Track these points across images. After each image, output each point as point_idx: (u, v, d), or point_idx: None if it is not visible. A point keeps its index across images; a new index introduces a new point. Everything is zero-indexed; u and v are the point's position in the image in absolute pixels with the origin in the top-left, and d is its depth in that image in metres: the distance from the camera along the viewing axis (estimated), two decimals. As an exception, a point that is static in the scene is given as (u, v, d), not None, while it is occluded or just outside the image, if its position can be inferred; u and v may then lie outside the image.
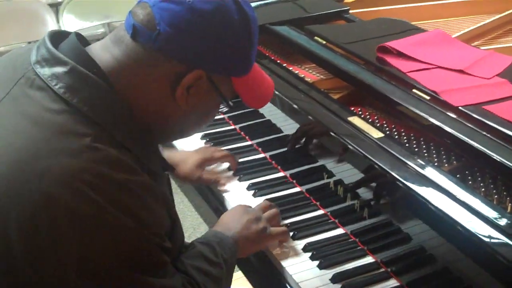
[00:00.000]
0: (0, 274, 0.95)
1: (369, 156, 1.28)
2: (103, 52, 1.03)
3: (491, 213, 1.11)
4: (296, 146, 1.66)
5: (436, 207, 1.15)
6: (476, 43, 1.80)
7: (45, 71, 0.99)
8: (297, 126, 1.63)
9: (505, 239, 1.06)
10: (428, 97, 1.37)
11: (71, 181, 0.90)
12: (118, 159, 0.95)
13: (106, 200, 0.92)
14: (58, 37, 1.06)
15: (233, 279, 1.30)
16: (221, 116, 1.96)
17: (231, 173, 1.67)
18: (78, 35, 1.07)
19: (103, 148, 0.94)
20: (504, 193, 1.22)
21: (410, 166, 1.24)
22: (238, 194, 1.59)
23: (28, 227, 0.91)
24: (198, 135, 1.85)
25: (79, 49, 1.02)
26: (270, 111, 1.80)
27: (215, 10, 1.01)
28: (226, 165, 1.69)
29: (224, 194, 1.60)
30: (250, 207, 1.42)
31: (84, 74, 0.99)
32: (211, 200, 1.64)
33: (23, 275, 0.94)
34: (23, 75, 1.01)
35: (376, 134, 1.34)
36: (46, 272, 0.93)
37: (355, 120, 1.40)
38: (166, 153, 1.58)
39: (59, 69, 0.99)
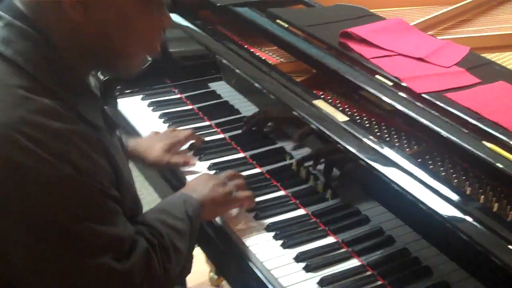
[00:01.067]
0: None
1: (336, 138, 1.31)
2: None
3: (450, 193, 1.15)
4: (253, 129, 1.68)
5: (395, 183, 1.19)
6: (430, 32, 1.86)
7: None
8: (254, 108, 1.64)
9: (462, 216, 1.10)
10: (391, 83, 1.41)
11: (8, 133, 0.91)
12: (53, 108, 0.95)
13: (44, 149, 0.92)
14: None
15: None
16: (178, 96, 1.95)
17: (191, 153, 1.67)
18: None
19: (37, 98, 0.94)
20: (463, 177, 1.27)
21: (375, 148, 1.27)
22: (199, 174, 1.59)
23: None
24: (156, 114, 1.84)
25: (13, 4, 1.01)
26: (228, 92, 1.81)
27: None
28: (186, 145, 1.69)
29: (185, 175, 1.59)
30: (217, 175, 1.45)
31: (18, 27, 0.98)
32: (171, 180, 1.64)
33: None
34: None
35: (341, 117, 1.37)
36: None
37: (320, 103, 1.42)
38: (132, 142, 1.60)
39: None
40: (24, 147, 0.90)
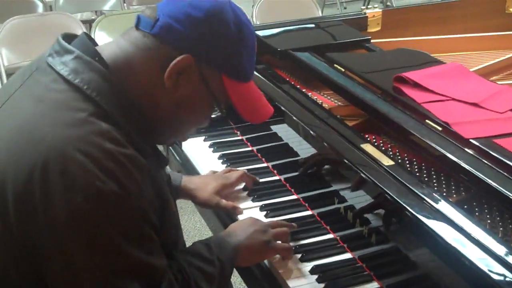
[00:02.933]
0: None
1: (378, 183, 1.30)
2: (110, 45, 1.16)
3: (496, 246, 1.12)
4: (309, 171, 1.69)
5: (441, 237, 1.17)
6: (494, 77, 1.82)
7: (55, 60, 1.12)
8: (312, 150, 1.66)
9: (507, 272, 1.07)
10: (440, 128, 1.39)
11: (65, 148, 1.00)
12: (109, 132, 1.04)
13: (95, 165, 1.00)
14: (70, 36, 1.19)
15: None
16: (240, 138, 2.00)
17: (245, 193, 1.70)
18: (87, 34, 1.20)
19: (97, 122, 1.05)
20: (510, 226, 1.23)
21: (417, 194, 1.26)
22: (251, 214, 1.61)
23: (22, 189, 1.00)
24: (216, 155, 1.90)
25: (85, 42, 1.15)
26: (287, 135, 1.84)
27: (214, 6, 1.12)
28: (241, 185, 1.73)
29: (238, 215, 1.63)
30: (260, 220, 1.46)
31: (87, 60, 1.10)
32: (224, 220, 1.67)
33: (16, 236, 1.02)
34: (37, 68, 1.14)
35: (386, 161, 1.36)
36: (36, 232, 1.01)
37: (367, 147, 1.42)
38: (185, 179, 1.64)
39: (67, 57, 1.11)
40: (79, 161, 0.99)
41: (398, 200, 1.25)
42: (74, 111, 1.05)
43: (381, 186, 1.30)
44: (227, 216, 1.66)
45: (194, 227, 3.14)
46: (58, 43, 1.14)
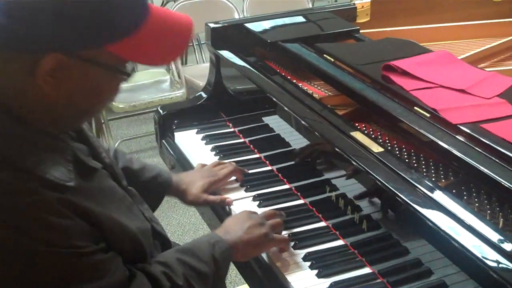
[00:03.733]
0: None
1: (368, 170, 1.32)
2: None
3: (483, 228, 1.14)
4: (304, 160, 1.72)
5: (431, 221, 1.18)
6: (482, 65, 1.84)
7: None
8: (304, 140, 1.68)
9: (495, 253, 1.09)
10: (428, 115, 1.41)
11: None
12: (8, 184, 0.95)
13: (3, 227, 0.94)
14: None
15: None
16: (232, 129, 2.02)
17: (237, 184, 1.72)
18: None
19: None
20: (497, 209, 1.25)
21: (407, 180, 1.28)
22: (243, 205, 1.63)
23: None
24: (208, 147, 1.91)
25: None
26: (280, 126, 1.86)
27: None
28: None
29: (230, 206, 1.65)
30: (255, 213, 1.46)
31: None
32: (218, 211, 1.69)
33: None
34: None
35: (376, 148, 1.38)
36: None
37: (357, 134, 1.44)
38: (175, 178, 1.63)
39: None
40: None
41: (388, 185, 1.27)
42: None
43: (371, 172, 1.32)
44: (222, 209, 1.68)
45: (189, 221, 3.15)
46: None
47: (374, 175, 1.30)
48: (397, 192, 1.24)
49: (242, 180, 1.72)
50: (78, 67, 0.99)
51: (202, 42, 5.12)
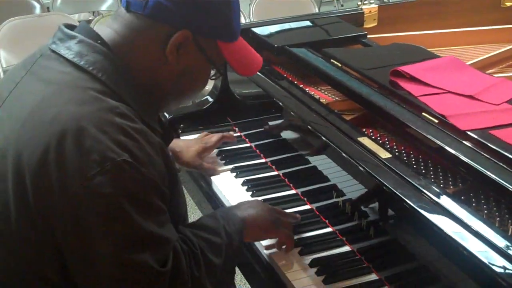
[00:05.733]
0: (18, 217, 1.07)
1: (375, 175, 1.31)
2: (105, 28, 1.20)
3: (494, 237, 1.13)
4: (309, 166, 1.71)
5: (439, 228, 1.17)
6: (490, 71, 1.83)
7: (59, 46, 1.17)
8: (310, 145, 1.67)
9: (504, 261, 1.07)
10: (436, 121, 1.40)
11: (78, 123, 1.04)
12: (117, 108, 1.10)
13: (108, 138, 1.04)
14: (71, 26, 1.24)
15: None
16: (238, 134, 2.01)
17: (244, 188, 1.71)
18: (86, 23, 1.26)
19: (105, 99, 1.10)
20: (506, 216, 1.24)
21: (415, 186, 1.26)
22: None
23: (38, 164, 1.04)
24: (214, 152, 1.91)
25: (87, 27, 1.21)
26: (285, 131, 1.85)
27: None
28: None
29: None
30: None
31: (90, 43, 1.16)
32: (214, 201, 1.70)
33: (35, 213, 1.06)
34: (41, 55, 1.19)
35: (384, 154, 1.37)
36: (52, 205, 1.04)
37: (365, 140, 1.43)
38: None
39: (71, 42, 1.17)
40: (93, 136, 1.04)
41: (396, 192, 1.26)
42: (83, 90, 1.10)
43: (379, 178, 1.30)
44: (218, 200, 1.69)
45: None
46: (61, 31, 1.20)
47: (382, 181, 1.29)
48: (405, 199, 1.23)
49: (234, 139, 1.91)
50: (195, 50, 1.20)
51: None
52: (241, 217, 1.37)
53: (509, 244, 1.11)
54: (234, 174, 1.79)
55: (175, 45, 1.17)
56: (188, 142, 1.83)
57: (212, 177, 1.79)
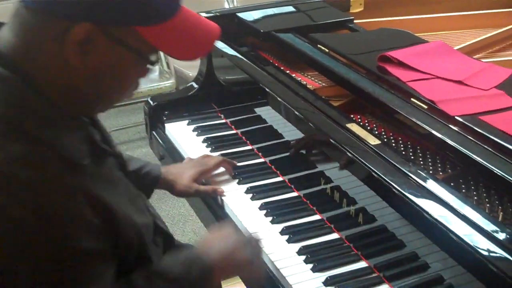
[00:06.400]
0: None
1: (365, 162, 1.30)
2: (4, 31, 0.99)
3: (483, 221, 1.12)
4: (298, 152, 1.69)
5: (429, 214, 1.16)
6: (477, 56, 1.82)
7: None
8: (297, 131, 1.65)
9: (495, 247, 1.07)
10: (425, 106, 1.39)
11: None
12: (23, 155, 0.92)
13: (9, 199, 0.90)
14: None
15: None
16: (223, 121, 1.99)
17: (228, 176, 1.69)
18: None
19: (7, 145, 0.92)
20: (496, 202, 1.23)
21: (404, 172, 1.25)
22: (236, 197, 1.61)
23: None
24: (200, 139, 1.88)
25: None
26: (273, 117, 1.83)
27: None
28: (220, 169, 1.70)
29: (223, 198, 1.62)
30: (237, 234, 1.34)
31: None
32: (210, 204, 1.66)
33: None
34: None
35: (373, 141, 1.36)
36: None
37: (353, 126, 1.41)
38: (164, 169, 1.58)
39: None
40: None
41: (386, 179, 1.25)
42: None
43: (368, 165, 1.29)
44: (214, 201, 1.65)
45: (178, 212, 3.12)
46: None
47: (372, 168, 1.28)
48: (395, 186, 1.22)
49: (231, 171, 1.69)
50: (106, 43, 0.97)
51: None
52: (210, 262, 1.20)
53: (499, 229, 1.11)
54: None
55: (75, 42, 0.94)
56: (182, 168, 1.62)
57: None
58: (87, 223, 0.97)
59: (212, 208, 1.63)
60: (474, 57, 1.71)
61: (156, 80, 3.80)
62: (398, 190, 1.21)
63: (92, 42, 0.95)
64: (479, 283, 1.11)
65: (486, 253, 1.07)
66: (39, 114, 0.97)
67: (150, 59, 1.03)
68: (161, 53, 3.88)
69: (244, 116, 1.96)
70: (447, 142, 1.28)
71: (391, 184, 1.23)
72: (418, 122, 1.35)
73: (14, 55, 0.97)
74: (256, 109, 1.93)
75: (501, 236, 1.09)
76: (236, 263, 1.26)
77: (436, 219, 1.15)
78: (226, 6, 3.88)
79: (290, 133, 1.70)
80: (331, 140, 1.41)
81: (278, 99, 1.64)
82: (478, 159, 1.22)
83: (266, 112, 1.89)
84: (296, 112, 1.57)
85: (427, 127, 1.33)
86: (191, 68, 3.81)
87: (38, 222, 0.91)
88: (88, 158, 1.02)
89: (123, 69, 1.02)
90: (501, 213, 1.20)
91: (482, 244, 1.08)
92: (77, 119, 1.06)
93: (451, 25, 2.03)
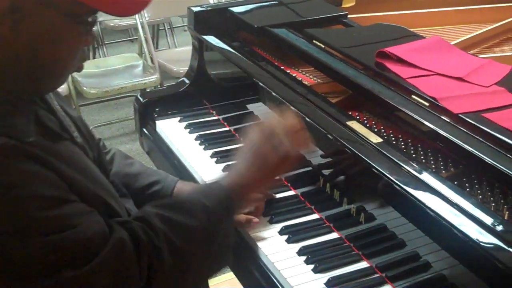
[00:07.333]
0: None
1: (368, 161, 1.27)
2: None
3: (488, 220, 1.10)
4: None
5: (433, 212, 1.14)
6: (472, 51, 1.81)
7: None
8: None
9: (502, 245, 1.05)
10: (427, 103, 1.37)
11: None
12: None
13: None
14: None
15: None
16: (216, 118, 1.95)
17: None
18: None
19: None
20: (502, 201, 1.22)
21: (409, 171, 1.23)
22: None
23: None
24: (193, 136, 1.84)
25: None
26: (265, 113, 1.80)
27: None
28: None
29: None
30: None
31: None
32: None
33: None
34: None
35: (375, 139, 1.33)
36: None
37: (354, 124, 1.39)
38: (180, 185, 1.44)
39: None
40: None
41: (390, 177, 1.22)
42: None
43: (371, 164, 1.26)
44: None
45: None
46: None
47: (376, 166, 1.25)
48: (403, 186, 1.19)
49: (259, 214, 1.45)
50: (34, 8, 0.93)
51: (174, 26, 5.02)
52: (225, 181, 1.14)
53: (505, 228, 1.09)
54: (214, 159, 1.74)
55: (2, 12, 0.91)
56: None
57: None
58: (41, 177, 0.94)
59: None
60: (469, 52, 1.70)
61: (140, 76, 3.76)
62: (404, 190, 1.19)
63: (20, 9, 0.92)
64: (482, 282, 1.09)
65: (492, 250, 1.04)
66: None
67: (87, 20, 0.99)
68: (145, 48, 3.84)
69: (237, 113, 1.93)
70: (452, 140, 1.26)
71: (396, 184, 1.21)
72: (421, 120, 1.33)
73: None
74: (248, 106, 1.90)
75: (505, 232, 1.07)
76: (270, 169, 1.20)
77: (440, 216, 1.12)
78: (211, 1, 3.84)
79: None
80: (333, 138, 1.38)
81: (276, 95, 1.60)
82: (484, 157, 1.20)
83: (259, 109, 1.86)
84: (294, 109, 1.54)
85: (430, 125, 1.31)
86: (176, 63, 3.77)
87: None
88: (32, 135, 0.97)
89: (59, 35, 0.98)
90: (507, 212, 1.18)
91: (488, 241, 1.06)
92: (21, 99, 1.01)
93: (444, 20, 2.02)
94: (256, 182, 1.20)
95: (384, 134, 1.45)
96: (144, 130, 1.97)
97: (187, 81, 2.03)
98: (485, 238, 1.07)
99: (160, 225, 1.05)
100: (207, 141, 1.81)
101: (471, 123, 1.28)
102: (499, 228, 1.09)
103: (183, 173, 1.72)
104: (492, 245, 1.06)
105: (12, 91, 0.99)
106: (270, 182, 1.25)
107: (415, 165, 1.25)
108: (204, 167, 1.71)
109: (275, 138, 1.22)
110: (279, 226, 1.45)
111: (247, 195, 1.19)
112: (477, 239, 1.07)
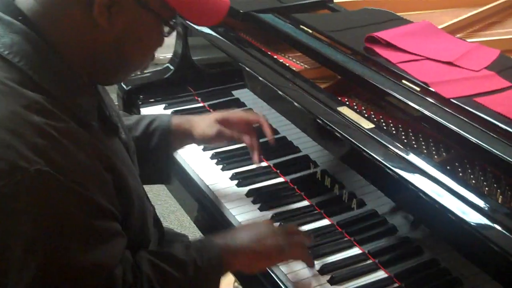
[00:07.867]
0: None
1: (362, 147, 1.26)
2: None
3: (481, 203, 1.09)
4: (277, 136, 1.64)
5: (427, 197, 1.13)
6: (458, 35, 1.80)
7: None
8: (279, 115, 1.60)
9: (493, 224, 1.05)
10: (418, 88, 1.36)
11: None
12: (37, 103, 0.94)
13: (21, 141, 0.90)
14: None
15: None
16: (201, 104, 1.93)
17: (214, 161, 1.64)
18: None
19: (22, 92, 0.94)
20: (494, 185, 1.22)
21: (402, 157, 1.22)
22: (223, 184, 1.56)
23: None
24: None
25: (6, 1, 1.01)
26: (252, 100, 1.78)
27: None
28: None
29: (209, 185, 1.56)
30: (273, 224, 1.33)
31: (7, 21, 0.98)
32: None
33: None
34: None
35: (366, 124, 1.32)
36: None
37: (345, 110, 1.38)
38: (176, 120, 1.48)
39: None
40: (3, 140, 0.89)
41: (384, 162, 1.21)
42: None
43: (365, 149, 1.25)
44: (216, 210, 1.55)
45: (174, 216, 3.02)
46: None
47: (369, 152, 1.24)
48: (394, 169, 1.19)
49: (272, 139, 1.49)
50: (131, 6, 1.00)
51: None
52: (219, 248, 1.16)
53: (499, 210, 1.09)
54: (202, 146, 1.72)
55: (103, 4, 0.97)
56: (202, 116, 1.52)
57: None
58: (98, 177, 0.99)
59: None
60: (456, 36, 1.69)
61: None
62: (399, 175, 1.18)
63: (118, 4, 0.98)
64: (475, 266, 1.09)
65: (485, 231, 1.04)
66: (58, 75, 0.99)
67: (170, 24, 1.06)
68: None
69: (223, 99, 1.90)
70: (444, 125, 1.25)
71: (390, 169, 1.20)
72: (413, 105, 1.32)
73: (38, 20, 0.99)
74: (234, 92, 1.88)
75: (502, 216, 1.07)
76: (264, 251, 1.21)
77: (439, 203, 1.11)
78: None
79: (271, 116, 1.66)
80: (324, 124, 1.36)
81: (266, 82, 1.57)
82: (477, 141, 1.19)
83: (244, 95, 1.84)
84: (283, 94, 1.51)
85: (422, 110, 1.30)
86: (160, 49, 3.70)
87: (40, 161, 0.89)
88: (96, 122, 1.04)
89: (145, 34, 1.05)
90: (501, 196, 1.18)
91: (483, 224, 1.05)
92: (93, 86, 1.08)
93: (430, 4, 2.01)
94: (250, 256, 1.21)
95: (375, 119, 1.44)
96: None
97: (171, 67, 2.00)
98: (478, 220, 1.06)
99: (148, 271, 1.07)
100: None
101: (463, 107, 1.28)
102: (493, 211, 1.09)
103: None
104: (484, 227, 1.05)
105: (88, 75, 1.05)
106: (264, 264, 1.26)
107: (408, 151, 1.24)
108: (190, 153, 1.69)
109: (275, 230, 1.26)
110: (269, 213, 1.44)
111: (238, 264, 1.20)
112: (471, 222, 1.07)
